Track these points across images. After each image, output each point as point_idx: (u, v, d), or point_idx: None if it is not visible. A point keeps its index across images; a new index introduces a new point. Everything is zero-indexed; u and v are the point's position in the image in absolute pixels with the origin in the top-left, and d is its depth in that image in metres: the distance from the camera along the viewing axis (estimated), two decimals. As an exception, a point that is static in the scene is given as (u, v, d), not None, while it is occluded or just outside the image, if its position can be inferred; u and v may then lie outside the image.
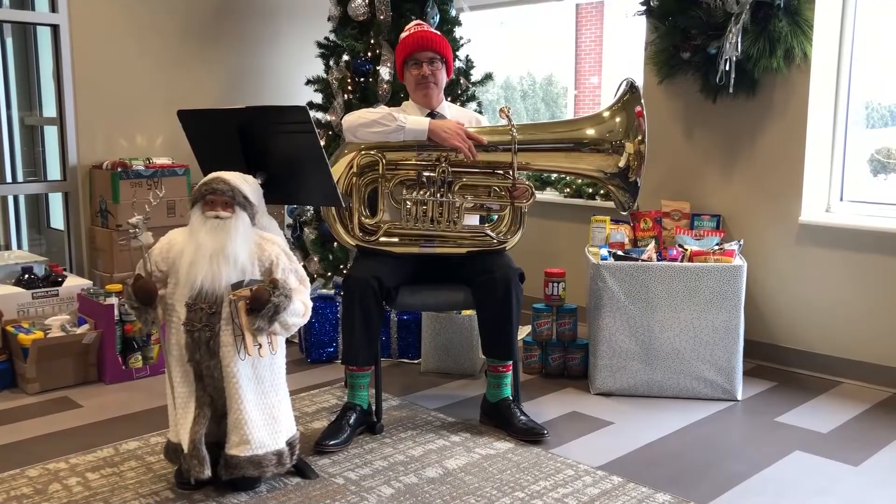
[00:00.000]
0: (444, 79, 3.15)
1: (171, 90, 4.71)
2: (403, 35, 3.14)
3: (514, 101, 11.95)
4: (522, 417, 2.95)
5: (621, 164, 2.93)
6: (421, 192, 2.92)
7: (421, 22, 3.19)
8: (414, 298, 3.02)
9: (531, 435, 2.88)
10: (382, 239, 2.95)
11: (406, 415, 3.15)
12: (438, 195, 2.92)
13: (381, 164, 2.91)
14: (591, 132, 2.96)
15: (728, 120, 3.79)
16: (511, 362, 3.00)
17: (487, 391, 3.05)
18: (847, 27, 3.58)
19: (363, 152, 2.91)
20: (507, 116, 2.89)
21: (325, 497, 2.46)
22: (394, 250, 2.96)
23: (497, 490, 2.51)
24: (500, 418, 2.98)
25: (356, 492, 2.49)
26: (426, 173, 2.93)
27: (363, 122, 2.91)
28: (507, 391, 3.01)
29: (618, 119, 2.94)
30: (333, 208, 2.94)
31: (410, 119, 2.91)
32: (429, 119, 2.94)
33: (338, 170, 2.91)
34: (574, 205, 4.48)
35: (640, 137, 2.91)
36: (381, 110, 2.97)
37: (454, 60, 4.15)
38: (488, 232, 2.97)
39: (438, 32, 3.17)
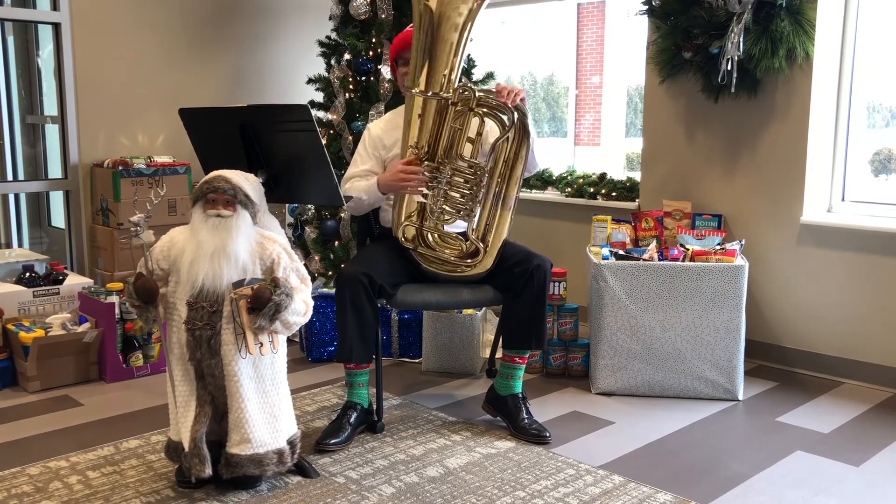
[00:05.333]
0: None
1: (173, 88, 4.71)
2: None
3: (515, 101, 11.92)
4: (528, 417, 2.95)
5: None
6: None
7: None
8: (416, 297, 3.00)
9: (534, 437, 2.88)
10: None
11: (407, 414, 3.15)
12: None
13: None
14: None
15: (730, 120, 3.79)
16: (528, 354, 3.02)
17: (497, 381, 3.04)
18: (849, 27, 3.58)
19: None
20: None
21: (325, 496, 2.46)
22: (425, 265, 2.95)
23: (498, 489, 2.51)
24: (505, 411, 2.98)
25: (357, 491, 2.49)
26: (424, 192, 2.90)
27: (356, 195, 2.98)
28: (519, 386, 3.00)
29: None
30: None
31: (364, 189, 2.95)
32: (374, 181, 2.94)
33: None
34: (575, 204, 4.47)
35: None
36: (361, 185, 2.99)
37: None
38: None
39: None
